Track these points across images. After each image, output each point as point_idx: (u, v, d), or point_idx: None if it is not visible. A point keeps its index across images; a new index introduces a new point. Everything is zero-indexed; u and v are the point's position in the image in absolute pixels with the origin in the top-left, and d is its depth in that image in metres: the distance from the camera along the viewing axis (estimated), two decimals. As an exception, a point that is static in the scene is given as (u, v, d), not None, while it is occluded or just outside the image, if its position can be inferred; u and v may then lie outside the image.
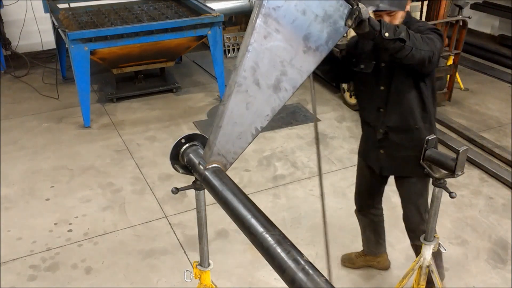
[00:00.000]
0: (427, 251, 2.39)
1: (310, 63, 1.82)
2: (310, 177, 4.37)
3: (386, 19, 2.33)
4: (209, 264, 2.04)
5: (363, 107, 2.74)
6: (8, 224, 3.77)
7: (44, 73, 6.70)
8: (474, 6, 8.01)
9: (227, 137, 1.70)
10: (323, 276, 1.21)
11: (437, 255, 2.65)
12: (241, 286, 3.20)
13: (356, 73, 2.58)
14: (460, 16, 5.28)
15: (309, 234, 3.65)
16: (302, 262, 1.25)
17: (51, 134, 5.18)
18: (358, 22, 1.85)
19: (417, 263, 2.46)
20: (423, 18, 5.22)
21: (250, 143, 1.76)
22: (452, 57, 5.46)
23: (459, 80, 6.09)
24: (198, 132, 1.99)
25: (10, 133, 5.19)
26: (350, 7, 1.80)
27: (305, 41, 1.77)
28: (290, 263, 1.26)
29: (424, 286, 2.50)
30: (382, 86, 2.51)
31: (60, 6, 6.40)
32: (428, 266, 2.43)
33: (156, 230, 3.71)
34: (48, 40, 7.12)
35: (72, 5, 6.55)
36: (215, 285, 2.11)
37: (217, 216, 3.23)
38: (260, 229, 1.39)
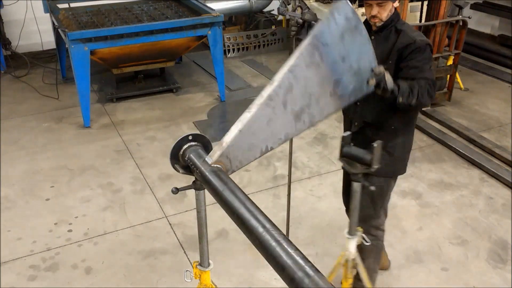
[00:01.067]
0: (351, 245, 2.50)
1: (331, 106, 1.91)
2: (310, 177, 4.37)
3: (375, 9, 2.37)
4: (209, 264, 2.04)
5: None
6: (8, 224, 3.77)
7: (44, 73, 6.69)
8: (474, 6, 8.01)
9: (240, 143, 1.70)
10: (323, 276, 1.21)
11: (372, 248, 2.77)
12: (241, 286, 3.20)
13: None
14: (460, 16, 5.28)
15: (309, 234, 3.65)
16: (302, 262, 1.25)
17: (51, 134, 5.17)
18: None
19: (343, 257, 2.56)
20: (423, 18, 5.21)
21: (256, 159, 1.77)
22: (452, 57, 5.46)
23: (459, 80, 6.09)
24: (198, 132, 1.99)
25: (10, 133, 5.19)
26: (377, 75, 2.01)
27: (335, 85, 1.87)
28: (290, 263, 1.26)
29: (351, 279, 2.60)
30: None
31: (60, 6, 6.39)
32: (353, 259, 2.53)
33: (156, 230, 3.71)
34: (48, 40, 7.11)
35: (72, 5, 6.55)
36: (215, 285, 2.11)
37: (217, 216, 3.23)
38: (260, 229, 1.39)
